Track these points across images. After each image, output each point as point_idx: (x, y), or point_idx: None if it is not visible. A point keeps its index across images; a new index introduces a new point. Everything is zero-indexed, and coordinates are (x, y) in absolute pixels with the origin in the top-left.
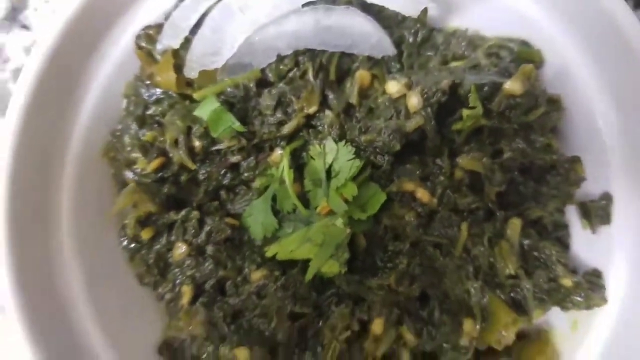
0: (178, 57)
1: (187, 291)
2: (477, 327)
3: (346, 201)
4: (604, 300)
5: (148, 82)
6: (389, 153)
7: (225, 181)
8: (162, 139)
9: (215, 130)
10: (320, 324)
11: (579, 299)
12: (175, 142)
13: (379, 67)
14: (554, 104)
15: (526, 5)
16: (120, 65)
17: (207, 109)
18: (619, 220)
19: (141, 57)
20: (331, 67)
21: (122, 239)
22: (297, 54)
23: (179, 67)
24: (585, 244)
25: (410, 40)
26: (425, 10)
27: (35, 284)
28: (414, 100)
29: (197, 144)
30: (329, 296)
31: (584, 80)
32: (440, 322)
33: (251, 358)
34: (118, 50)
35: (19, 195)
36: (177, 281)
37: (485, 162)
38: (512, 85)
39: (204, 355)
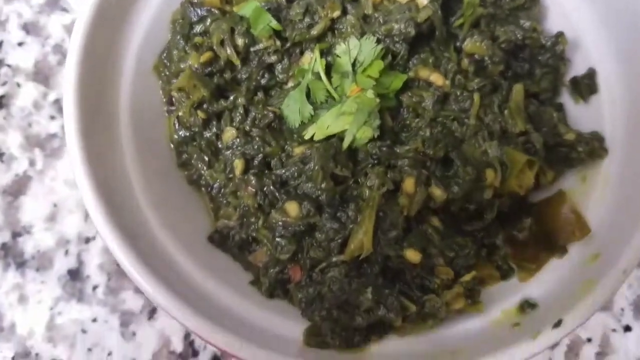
0: None
1: (239, 164)
2: (499, 175)
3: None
4: (604, 150)
5: (195, 1)
6: (405, 40)
7: (264, 81)
8: (209, 41)
9: (255, 27)
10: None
11: (582, 151)
12: (222, 43)
13: None
14: None
15: None
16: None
17: (248, 8)
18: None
19: None
20: None
21: (177, 128)
22: None
23: None
24: (581, 117)
25: None
26: None
27: (100, 166)
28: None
29: (239, 42)
30: (365, 166)
31: None
32: (465, 174)
33: (300, 211)
34: None
35: (85, 95)
36: (228, 160)
37: (485, 44)
38: None
39: (252, 215)
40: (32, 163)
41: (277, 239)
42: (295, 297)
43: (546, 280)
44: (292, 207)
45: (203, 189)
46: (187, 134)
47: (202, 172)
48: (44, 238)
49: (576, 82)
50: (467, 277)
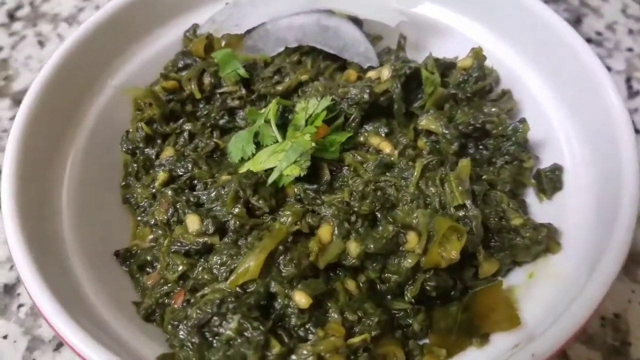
0: (209, 39)
1: (162, 176)
2: (422, 241)
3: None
4: (557, 244)
5: (185, 49)
6: (359, 105)
7: (222, 122)
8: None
9: (223, 70)
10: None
11: (528, 237)
12: (189, 80)
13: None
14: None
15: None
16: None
17: (220, 52)
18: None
19: (185, 41)
20: (327, 70)
21: (122, 144)
22: (301, 53)
23: (208, 44)
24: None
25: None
26: (403, 39)
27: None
28: (384, 72)
29: (206, 80)
30: (284, 203)
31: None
32: (384, 231)
33: (200, 227)
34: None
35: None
36: (156, 175)
37: (440, 121)
38: (464, 61)
39: (162, 236)
40: None
41: (171, 256)
42: (166, 318)
43: None
44: (192, 220)
45: (135, 208)
46: (131, 147)
47: (134, 189)
48: None
49: (539, 176)
50: (355, 339)
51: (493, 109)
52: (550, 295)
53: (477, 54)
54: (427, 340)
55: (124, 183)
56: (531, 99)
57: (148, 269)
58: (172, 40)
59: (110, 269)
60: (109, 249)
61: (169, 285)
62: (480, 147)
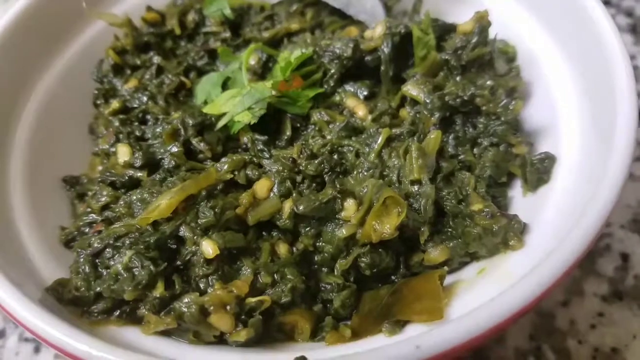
0: None
1: (114, 105)
2: (360, 210)
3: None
4: (520, 241)
5: None
6: (340, 60)
7: (200, 63)
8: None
9: (207, 7)
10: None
11: (484, 225)
12: (173, 15)
13: None
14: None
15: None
16: None
17: None
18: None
19: None
20: (331, 26)
21: (94, 72)
22: (305, 4)
23: None
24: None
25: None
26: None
27: None
28: (377, 29)
29: (190, 17)
30: (233, 150)
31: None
32: (323, 195)
33: (130, 158)
34: None
35: None
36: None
37: (425, 89)
38: (464, 25)
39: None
40: None
41: (99, 185)
42: (77, 245)
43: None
44: (123, 151)
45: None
46: (100, 75)
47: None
48: None
49: (524, 164)
50: (251, 299)
51: (488, 82)
52: (487, 293)
53: (481, 18)
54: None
55: (96, 114)
56: (543, 83)
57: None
58: None
59: (54, 197)
60: (60, 177)
61: (93, 215)
62: (468, 124)
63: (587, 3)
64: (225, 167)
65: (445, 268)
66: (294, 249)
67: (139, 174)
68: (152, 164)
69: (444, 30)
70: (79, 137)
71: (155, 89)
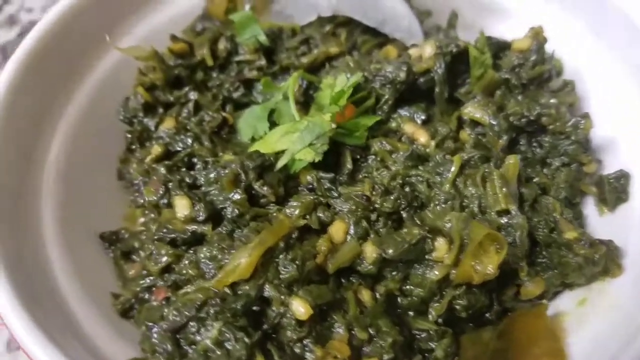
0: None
1: (156, 150)
2: (453, 250)
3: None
4: (618, 267)
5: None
6: (393, 84)
7: (236, 95)
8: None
9: (241, 34)
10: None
11: (583, 254)
12: (202, 44)
13: None
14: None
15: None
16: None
17: (239, 14)
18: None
19: (207, 2)
20: (364, 45)
21: (120, 111)
22: (336, 24)
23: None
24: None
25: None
26: (455, 16)
27: None
28: (427, 49)
29: (221, 46)
30: (295, 193)
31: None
32: (409, 236)
33: (190, 211)
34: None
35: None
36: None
37: (489, 110)
38: (521, 42)
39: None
40: None
41: (155, 244)
42: (141, 317)
43: None
44: (181, 204)
45: (129, 185)
46: (128, 115)
47: (131, 164)
48: None
49: (601, 183)
50: None
51: (552, 100)
52: (604, 329)
53: (537, 34)
54: None
55: (124, 157)
56: (597, 94)
57: (134, 257)
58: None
59: (92, 254)
60: (94, 231)
61: (151, 278)
62: (534, 144)
63: None
64: (297, 212)
65: (545, 301)
66: (377, 294)
67: (204, 228)
68: (215, 216)
69: (499, 48)
70: (106, 183)
71: (197, 128)
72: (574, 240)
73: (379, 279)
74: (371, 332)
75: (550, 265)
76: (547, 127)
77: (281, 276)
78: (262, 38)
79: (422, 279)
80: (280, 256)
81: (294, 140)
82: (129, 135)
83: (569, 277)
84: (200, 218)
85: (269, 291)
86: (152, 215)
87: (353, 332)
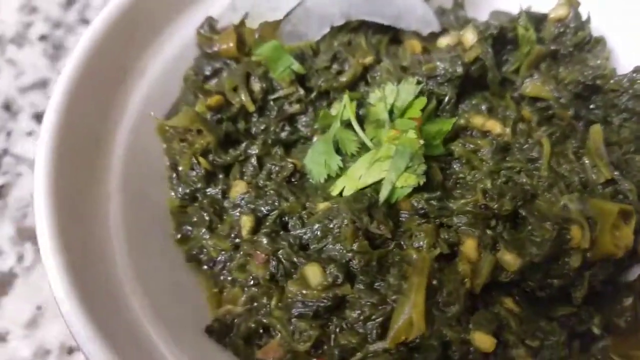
0: (238, 32)
1: (247, 221)
2: (587, 233)
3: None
4: None
5: (208, 51)
6: (452, 82)
7: (284, 135)
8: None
9: (275, 69)
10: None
11: None
12: (235, 89)
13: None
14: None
15: None
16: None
17: (267, 47)
18: None
19: (201, 40)
20: (381, 46)
21: (176, 186)
22: (349, 30)
23: (239, 39)
24: None
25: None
26: None
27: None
28: (469, 36)
29: (256, 87)
30: (409, 224)
31: None
32: (543, 232)
33: (325, 278)
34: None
35: (62, 177)
36: (235, 221)
37: (549, 85)
38: (557, 10)
39: (263, 294)
40: (20, 259)
41: (294, 322)
42: None
43: None
44: (313, 272)
45: (205, 266)
46: (188, 190)
47: (204, 241)
48: (20, 347)
49: None
50: None
51: (599, 61)
52: None
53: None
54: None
55: (179, 236)
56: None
57: (258, 342)
58: (182, 43)
59: (201, 349)
60: (188, 323)
61: (300, 356)
62: (592, 107)
63: None
64: (424, 242)
65: None
66: (516, 297)
67: (344, 290)
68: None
69: (537, 21)
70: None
71: (273, 184)
72: None
73: (514, 284)
74: (539, 335)
75: None
76: (602, 88)
77: (447, 315)
78: (296, 66)
79: (562, 270)
80: (438, 294)
81: (388, 169)
82: (203, 213)
83: None
84: (339, 281)
85: (447, 334)
86: (255, 289)
87: (526, 343)
